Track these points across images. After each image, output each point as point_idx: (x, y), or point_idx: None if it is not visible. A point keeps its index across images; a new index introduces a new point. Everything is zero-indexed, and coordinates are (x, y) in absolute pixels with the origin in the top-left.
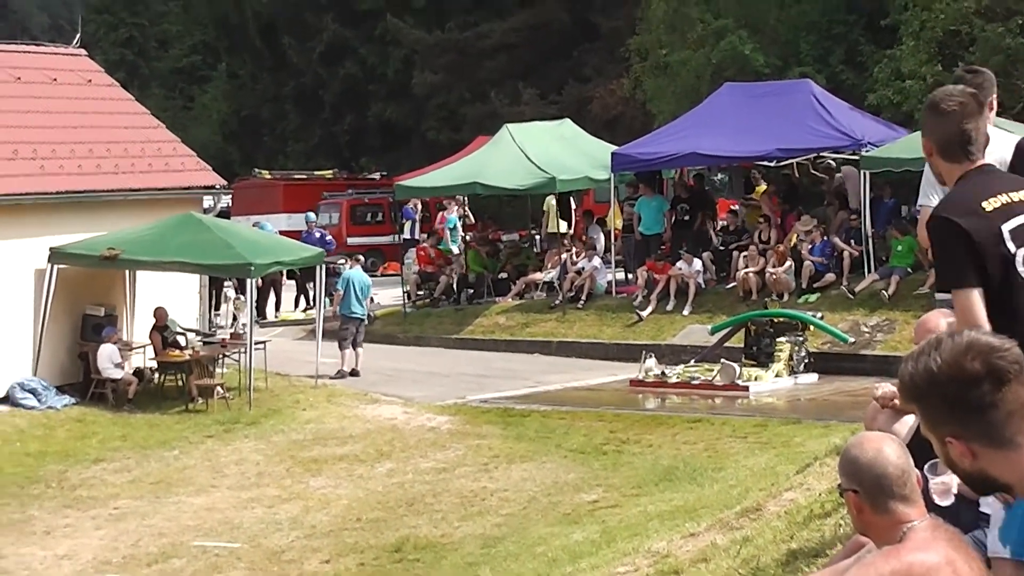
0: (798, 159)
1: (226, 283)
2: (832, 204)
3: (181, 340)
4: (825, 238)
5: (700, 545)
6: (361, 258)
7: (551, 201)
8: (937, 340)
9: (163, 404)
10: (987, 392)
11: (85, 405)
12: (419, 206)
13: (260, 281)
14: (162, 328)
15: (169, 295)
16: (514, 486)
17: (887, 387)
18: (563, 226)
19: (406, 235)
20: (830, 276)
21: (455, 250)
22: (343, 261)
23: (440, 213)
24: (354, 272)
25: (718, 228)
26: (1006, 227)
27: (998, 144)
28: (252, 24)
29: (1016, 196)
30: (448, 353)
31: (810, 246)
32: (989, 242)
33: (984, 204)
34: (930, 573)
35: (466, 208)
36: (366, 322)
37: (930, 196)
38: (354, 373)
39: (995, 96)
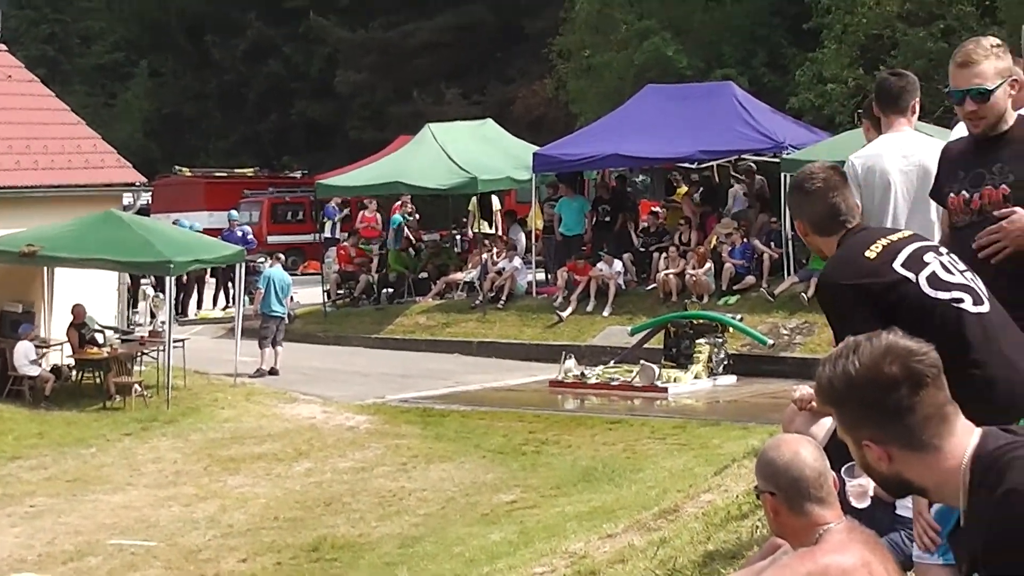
0: (719, 161)
1: (143, 280)
2: (752, 206)
3: (99, 337)
4: (745, 240)
5: (617, 546)
6: (282, 256)
7: (475, 201)
8: (855, 344)
9: (81, 402)
10: (905, 396)
11: (1, 402)
12: (339, 205)
13: (185, 277)
14: (80, 325)
15: (87, 292)
16: (432, 486)
17: (805, 389)
18: (485, 226)
19: (327, 234)
20: (750, 279)
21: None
22: (263, 259)
23: (361, 212)
24: (274, 271)
25: (639, 229)
26: (896, 263)
27: (921, 149)
28: (176, 22)
29: (894, 237)
30: (368, 352)
31: (730, 248)
32: (886, 282)
33: (867, 253)
34: (846, 575)
35: (412, 206)
36: (286, 321)
37: None
38: (273, 372)
39: (918, 100)
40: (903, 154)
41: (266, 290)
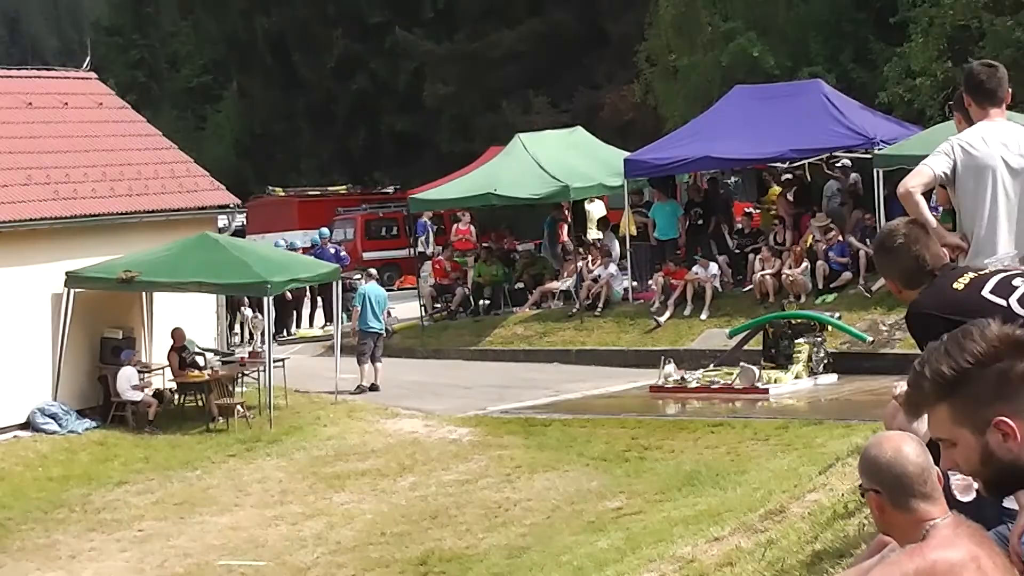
0: (811, 159)
1: (242, 303)
2: (846, 203)
3: (200, 360)
4: (841, 238)
5: (725, 549)
6: (375, 272)
7: (589, 207)
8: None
9: (184, 425)
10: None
11: (106, 428)
12: (431, 219)
13: (289, 295)
14: (180, 348)
15: (187, 316)
16: (537, 495)
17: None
18: (593, 232)
19: (420, 249)
20: (847, 275)
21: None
22: (359, 276)
23: (455, 226)
24: (370, 287)
25: (733, 231)
26: (985, 291)
27: (1018, 137)
28: (262, 41)
29: (982, 271)
30: (467, 365)
31: (826, 246)
32: (974, 309)
33: (955, 285)
34: (954, 570)
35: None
36: (384, 336)
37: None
38: (374, 388)
39: (1009, 89)
40: (1003, 141)
41: (362, 307)
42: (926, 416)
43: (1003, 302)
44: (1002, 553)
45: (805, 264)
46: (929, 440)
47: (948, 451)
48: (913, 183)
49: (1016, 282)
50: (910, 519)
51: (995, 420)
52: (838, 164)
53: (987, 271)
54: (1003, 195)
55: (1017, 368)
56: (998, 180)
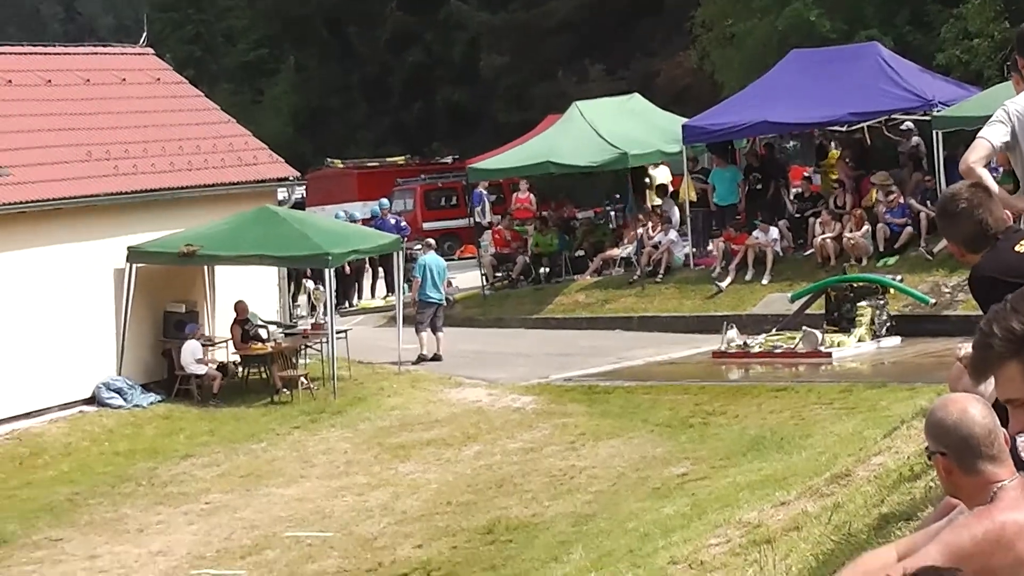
0: (869, 122)
1: (304, 275)
2: (906, 166)
3: (262, 333)
4: (902, 200)
5: (791, 513)
6: (433, 242)
7: (653, 173)
8: (1009, 302)
9: (248, 397)
10: None
11: (171, 402)
12: (488, 189)
13: (348, 268)
14: (243, 321)
15: (249, 289)
16: (602, 463)
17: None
18: (655, 199)
19: (477, 219)
20: (908, 230)
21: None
22: (419, 247)
23: (514, 195)
24: (429, 257)
25: (793, 196)
26: None
27: None
28: (317, 15)
29: None
30: (529, 333)
31: (886, 210)
32: None
33: (1017, 248)
34: (1023, 532)
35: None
36: (444, 306)
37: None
38: (436, 358)
39: None
40: None
41: (423, 277)
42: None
43: None
44: None
45: (866, 227)
46: (995, 401)
47: (1018, 412)
48: (973, 158)
49: None
50: (978, 481)
51: None
52: (902, 127)
53: None
54: None
55: None
56: None
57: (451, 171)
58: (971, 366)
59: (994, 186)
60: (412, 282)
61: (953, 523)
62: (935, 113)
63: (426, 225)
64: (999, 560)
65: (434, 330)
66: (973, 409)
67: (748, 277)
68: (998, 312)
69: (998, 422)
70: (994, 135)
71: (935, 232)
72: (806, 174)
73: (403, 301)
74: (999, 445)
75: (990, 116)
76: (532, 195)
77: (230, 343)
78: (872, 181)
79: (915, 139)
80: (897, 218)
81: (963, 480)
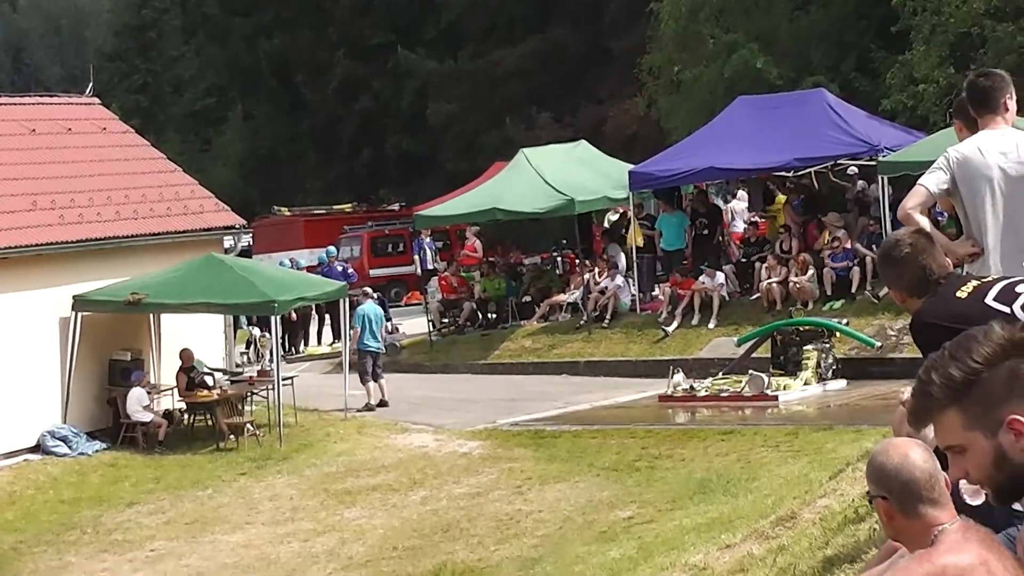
0: (816, 168)
1: (243, 321)
2: (853, 211)
3: (208, 380)
4: (848, 246)
5: (737, 556)
6: (370, 290)
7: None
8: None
9: (194, 445)
10: None
11: (116, 449)
12: (433, 236)
13: (295, 315)
14: (188, 369)
15: (194, 336)
16: (549, 507)
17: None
18: (639, 240)
19: (423, 266)
20: (856, 271)
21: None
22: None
23: (471, 241)
24: (367, 306)
25: (725, 240)
26: (989, 298)
27: (1018, 143)
28: (265, 65)
29: (984, 279)
30: (476, 379)
31: (831, 255)
32: (978, 317)
33: (958, 294)
34: (964, 575)
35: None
36: (383, 353)
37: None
38: (383, 404)
39: (1012, 96)
40: (1001, 150)
41: (361, 327)
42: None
43: (1007, 309)
44: (1012, 556)
45: (811, 271)
46: (936, 446)
47: (957, 459)
48: (911, 204)
49: (1020, 288)
50: (919, 525)
51: (1008, 419)
52: (848, 172)
53: (990, 278)
54: (1002, 203)
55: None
56: (995, 190)
57: (398, 218)
58: (910, 413)
59: (932, 230)
60: (352, 332)
61: (894, 567)
62: (881, 158)
63: (373, 272)
64: None
65: (375, 378)
66: (914, 454)
67: (695, 321)
68: (936, 359)
69: (939, 466)
70: (930, 182)
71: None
72: (753, 219)
73: (350, 348)
74: (940, 489)
75: (935, 161)
76: (479, 241)
77: (176, 390)
78: (825, 222)
79: (860, 183)
80: (840, 263)
81: (904, 524)
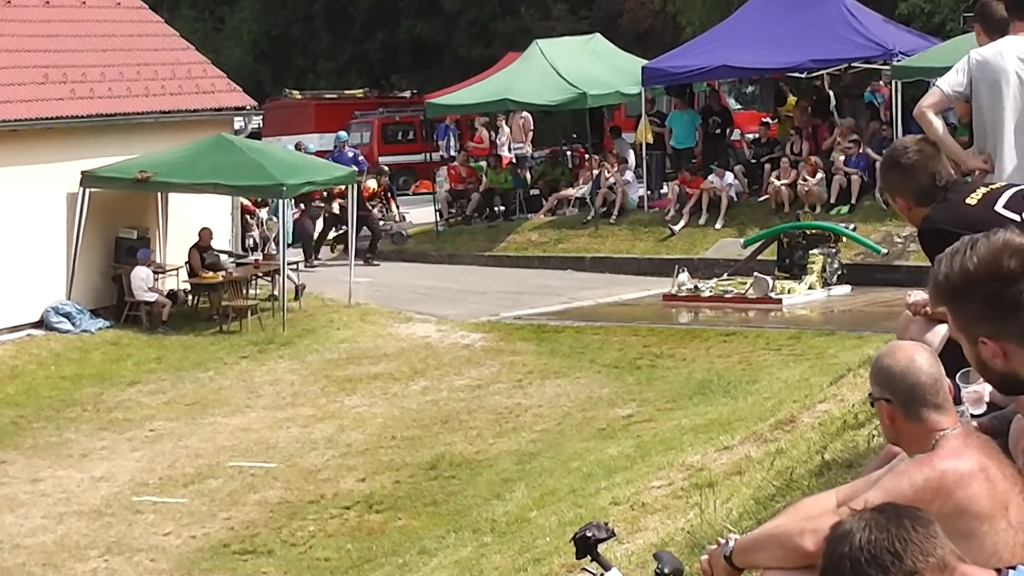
0: (829, 70)
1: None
2: (864, 115)
3: (221, 260)
4: (860, 151)
5: (734, 458)
6: None
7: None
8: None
9: (197, 326)
10: (1023, 290)
11: (119, 328)
12: (453, 124)
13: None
14: (204, 248)
15: (201, 217)
16: (548, 402)
17: (919, 295)
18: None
19: (443, 153)
20: (856, 180)
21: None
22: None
23: (478, 131)
24: None
25: (731, 138)
26: (999, 205)
27: None
28: None
29: (993, 186)
30: (481, 270)
31: (844, 158)
32: (987, 224)
33: (968, 200)
34: (963, 480)
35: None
36: None
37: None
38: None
39: None
40: (1020, 55)
41: None
42: (938, 328)
43: (1017, 216)
44: (1011, 463)
45: (821, 175)
46: (941, 351)
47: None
48: (927, 103)
49: None
50: (921, 429)
51: (979, 339)
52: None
53: (999, 185)
54: (1016, 108)
55: (1006, 293)
56: (1011, 95)
57: (409, 105)
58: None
59: (944, 137)
60: None
61: (894, 470)
62: (895, 63)
63: (382, 159)
64: (938, 508)
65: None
66: (920, 358)
67: (702, 221)
68: (946, 256)
69: (944, 372)
70: (946, 83)
71: None
72: (764, 120)
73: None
74: (944, 394)
75: (949, 67)
76: (487, 132)
77: (181, 270)
78: (842, 123)
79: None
80: (853, 168)
81: (906, 427)
